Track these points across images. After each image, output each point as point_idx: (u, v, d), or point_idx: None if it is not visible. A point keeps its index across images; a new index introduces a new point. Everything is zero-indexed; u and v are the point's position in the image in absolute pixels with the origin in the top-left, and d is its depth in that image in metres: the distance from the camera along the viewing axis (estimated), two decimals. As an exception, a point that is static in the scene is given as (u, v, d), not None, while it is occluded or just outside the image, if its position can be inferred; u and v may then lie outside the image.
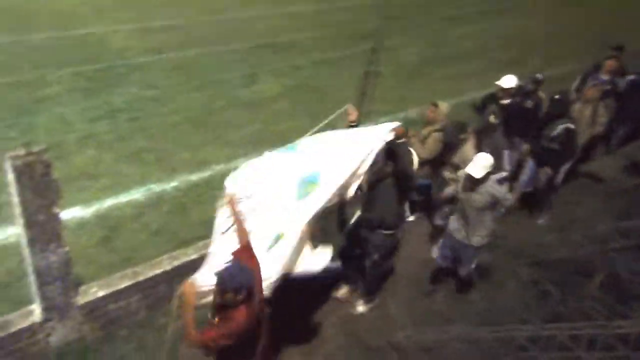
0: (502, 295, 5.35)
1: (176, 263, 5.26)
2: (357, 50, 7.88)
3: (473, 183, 5.00)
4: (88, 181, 6.53)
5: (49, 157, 3.98)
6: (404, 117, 9.10)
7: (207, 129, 7.80)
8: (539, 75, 7.38)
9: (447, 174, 6.17)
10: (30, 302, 4.67)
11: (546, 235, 6.48)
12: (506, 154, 6.42)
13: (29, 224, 4.07)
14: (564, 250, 5.91)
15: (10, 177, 3.89)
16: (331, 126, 5.14)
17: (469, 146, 6.05)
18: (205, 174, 6.90)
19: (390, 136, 4.44)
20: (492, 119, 6.33)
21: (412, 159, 4.85)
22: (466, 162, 5.42)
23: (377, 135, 4.42)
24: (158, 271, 5.16)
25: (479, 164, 4.98)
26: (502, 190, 5.12)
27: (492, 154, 5.64)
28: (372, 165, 4.55)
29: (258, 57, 10.91)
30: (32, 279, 4.39)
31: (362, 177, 4.49)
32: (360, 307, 5.51)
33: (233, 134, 7.61)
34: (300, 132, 7.87)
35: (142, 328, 5.16)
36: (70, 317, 4.68)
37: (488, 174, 5.01)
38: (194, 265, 5.23)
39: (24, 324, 4.50)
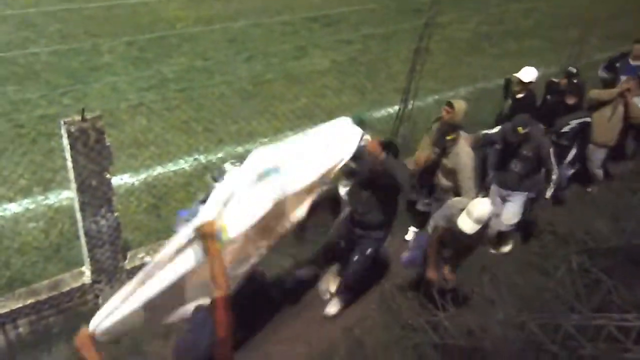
0: (550, 282, 5.21)
1: (221, 233, 5.34)
2: (408, 25, 7.66)
3: (464, 237, 4.57)
4: (138, 149, 6.66)
5: (103, 124, 4.07)
6: (453, 96, 8.88)
7: (255, 101, 7.81)
8: (572, 69, 7.00)
9: (442, 181, 5.70)
10: (80, 264, 4.84)
11: (598, 223, 6.26)
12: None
13: (82, 189, 4.19)
14: (616, 239, 5.70)
15: (65, 142, 3.99)
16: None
17: (462, 148, 5.44)
18: (252, 146, 6.92)
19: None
20: (520, 129, 5.46)
21: (406, 176, 4.55)
22: (460, 166, 5.32)
23: (346, 148, 4.00)
24: (202, 240, 5.24)
25: (475, 216, 4.42)
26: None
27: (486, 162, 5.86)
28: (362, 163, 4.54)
29: (309, 30, 10.80)
30: (83, 241, 4.54)
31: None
32: (332, 309, 5.28)
33: (280, 108, 7.60)
34: (347, 109, 7.89)
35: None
36: (117, 280, 4.82)
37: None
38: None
39: (75, 284, 4.68)
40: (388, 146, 4.58)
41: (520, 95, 6.53)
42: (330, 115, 7.72)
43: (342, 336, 5.12)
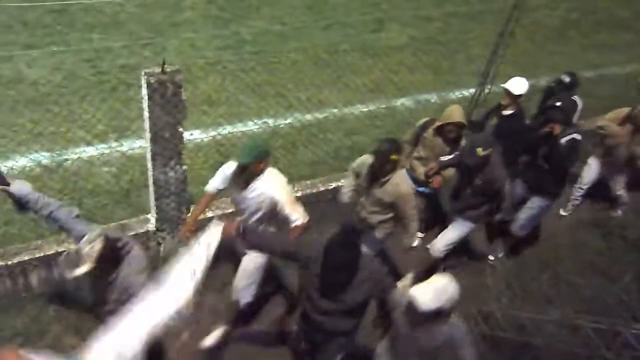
0: (614, 287, 5.00)
1: (281, 197, 5.40)
2: (495, 6, 7.37)
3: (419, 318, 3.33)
4: (210, 107, 6.79)
5: (181, 78, 4.16)
6: (532, 85, 8.52)
7: (328, 70, 7.77)
8: (565, 78, 6.09)
9: (369, 216, 4.80)
10: (147, 211, 5.03)
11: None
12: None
13: (155, 139, 4.32)
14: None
15: (144, 92, 4.11)
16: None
17: (402, 174, 4.61)
18: (320, 115, 6.92)
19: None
20: (479, 151, 4.61)
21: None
22: (401, 198, 4.44)
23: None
24: (262, 201, 5.32)
25: (434, 294, 3.31)
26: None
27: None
28: None
29: (389, 3, 10.58)
30: (151, 190, 4.71)
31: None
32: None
33: (352, 79, 7.52)
34: (421, 87, 7.74)
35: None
36: (179, 231, 4.98)
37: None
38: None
39: (140, 230, 4.89)
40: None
41: (507, 112, 5.53)
42: (402, 92, 7.65)
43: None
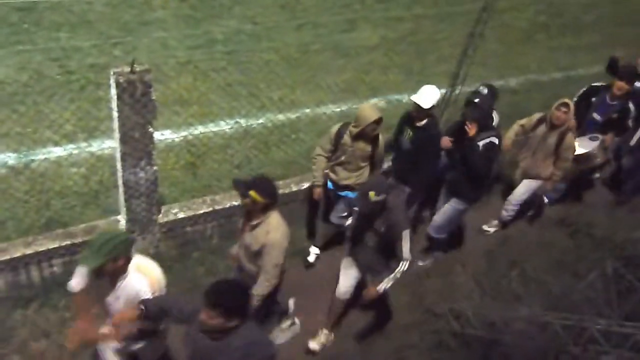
0: (581, 284, 5.12)
1: (254, 198, 5.39)
2: (464, 8, 7.47)
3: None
4: (181, 106, 6.72)
5: (150, 77, 4.11)
6: (502, 85, 8.67)
7: (300, 70, 7.77)
8: (483, 89, 5.58)
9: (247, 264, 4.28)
10: (116, 212, 4.97)
11: (637, 231, 6.09)
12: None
13: (124, 139, 4.27)
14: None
15: (113, 92, 4.06)
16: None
17: (276, 219, 4.00)
18: (293, 115, 6.92)
19: None
20: (372, 195, 4.18)
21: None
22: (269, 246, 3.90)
23: None
24: (235, 203, 5.33)
25: None
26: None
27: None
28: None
29: (361, 3, 10.62)
30: (120, 191, 4.65)
31: None
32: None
33: (325, 79, 7.54)
34: (392, 87, 7.80)
35: (214, 254, 5.38)
36: (150, 232, 4.94)
37: None
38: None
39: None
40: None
41: (421, 124, 5.21)
42: (374, 92, 7.71)
43: (362, 313, 5.15)
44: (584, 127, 6.27)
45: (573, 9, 12.28)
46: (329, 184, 5.33)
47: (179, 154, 6.04)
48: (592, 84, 6.55)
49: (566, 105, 5.60)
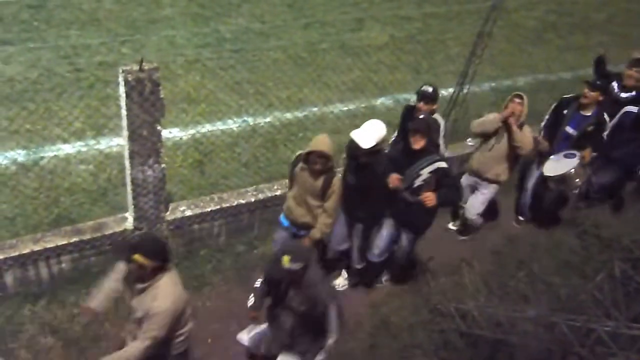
0: (588, 285, 5.08)
1: (260, 196, 5.43)
2: (473, 6, 7.46)
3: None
4: (189, 105, 6.76)
5: (159, 76, 4.13)
6: (509, 85, 8.65)
7: (308, 69, 7.78)
8: (427, 88, 5.20)
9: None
10: (124, 209, 4.99)
11: (646, 233, 6.04)
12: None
13: (133, 137, 4.29)
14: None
15: (122, 90, 4.08)
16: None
17: (167, 283, 3.40)
18: (300, 114, 6.93)
19: None
20: (285, 260, 3.58)
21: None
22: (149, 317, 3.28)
23: None
24: (242, 201, 5.35)
25: None
26: None
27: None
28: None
29: (370, 2, 10.62)
30: (128, 188, 4.67)
31: None
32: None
33: (332, 78, 7.54)
34: (400, 86, 7.79)
35: (221, 252, 5.40)
36: (158, 229, 4.96)
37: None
38: (277, 201, 5.38)
39: (117, 228, 4.84)
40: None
41: (364, 161, 4.56)
42: (381, 91, 7.70)
43: (369, 313, 5.16)
44: (557, 143, 5.82)
45: (583, 8, 12.23)
46: (285, 221, 4.85)
47: (187, 152, 6.06)
48: (563, 96, 6.10)
49: (520, 97, 5.34)
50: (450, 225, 6.40)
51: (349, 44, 8.80)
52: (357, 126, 6.85)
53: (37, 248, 4.53)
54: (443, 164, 4.51)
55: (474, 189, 5.89)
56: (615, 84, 6.25)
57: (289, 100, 7.02)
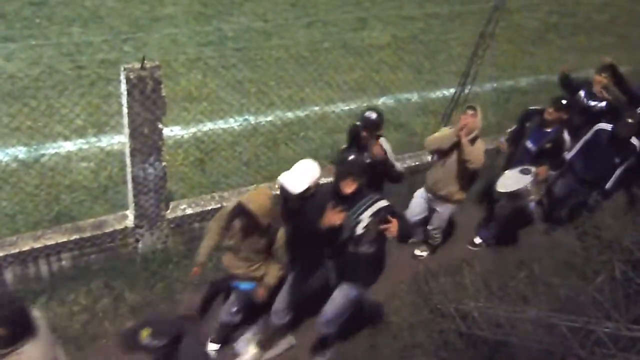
0: (588, 287, 5.09)
1: (262, 195, 5.40)
2: (475, 7, 7.45)
3: None
4: (190, 103, 6.75)
5: (160, 74, 4.13)
6: (511, 86, 8.65)
7: (310, 68, 7.77)
8: (370, 114, 4.70)
9: None
10: (124, 207, 4.99)
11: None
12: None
13: (134, 135, 4.29)
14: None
15: (123, 88, 4.08)
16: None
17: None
18: (302, 113, 6.93)
19: None
20: (144, 335, 2.91)
21: None
22: None
23: None
24: (244, 200, 5.32)
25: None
26: None
27: None
28: None
29: (372, 2, 10.62)
30: (129, 186, 4.67)
31: None
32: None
33: (335, 77, 7.53)
34: (402, 86, 7.78)
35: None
36: (158, 227, 4.96)
37: None
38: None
39: (118, 226, 4.84)
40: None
41: (296, 207, 4.17)
42: (383, 91, 7.69)
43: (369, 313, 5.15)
44: (519, 157, 5.63)
45: (586, 9, 12.21)
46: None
47: (188, 150, 6.06)
48: (529, 107, 5.96)
49: (473, 108, 4.92)
50: (418, 252, 5.84)
51: (351, 44, 8.80)
52: (358, 126, 6.99)
53: (37, 245, 4.53)
54: (384, 203, 3.86)
55: (431, 206, 5.49)
56: (582, 92, 6.09)
57: (291, 100, 7.01)
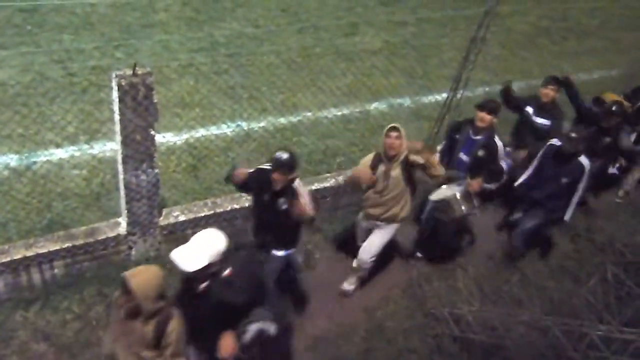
0: (581, 289, 5.11)
1: (255, 201, 5.39)
2: (466, 12, 7.50)
3: None
4: (183, 109, 6.75)
5: (152, 80, 4.12)
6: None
7: (302, 74, 7.79)
8: (280, 155, 4.04)
9: None
10: (117, 214, 4.97)
11: (638, 236, 6.08)
12: None
13: (126, 142, 4.28)
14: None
15: (115, 95, 4.07)
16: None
17: None
18: (294, 118, 6.94)
19: None
20: None
21: None
22: None
23: None
24: (236, 206, 5.33)
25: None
26: None
27: None
28: None
29: (364, 7, 10.67)
30: (122, 193, 4.65)
31: None
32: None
33: (327, 83, 7.55)
34: (394, 91, 7.81)
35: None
36: (151, 235, 4.94)
37: None
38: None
39: (111, 233, 4.82)
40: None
41: (201, 287, 3.42)
42: (375, 96, 7.71)
43: (363, 317, 5.14)
44: (454, 170, 5.38)
45: (577, 13, 12.30)
46: None
47: (181, 157, 6.05)
48: (456, 119, 5.79)
49: (396, 129, 4.57)
50: (345, 286, 5.33)
51: (343, 49, 8.82)
52: (352, 131, 7.01)
53: (29, 254, 4.50)
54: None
55: (369, 231, 5.12)
56: (530, 109, 5.90)
57: (283, 105, 7.02)
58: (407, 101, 7.94)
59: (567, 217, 5.39)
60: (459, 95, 6.59)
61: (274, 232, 4.36)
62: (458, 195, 5.18)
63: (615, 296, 4.60)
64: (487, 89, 8.42)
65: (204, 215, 5.18)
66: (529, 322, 4.58)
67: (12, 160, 5.58)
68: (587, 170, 5.23)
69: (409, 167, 4.66)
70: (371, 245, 5.01)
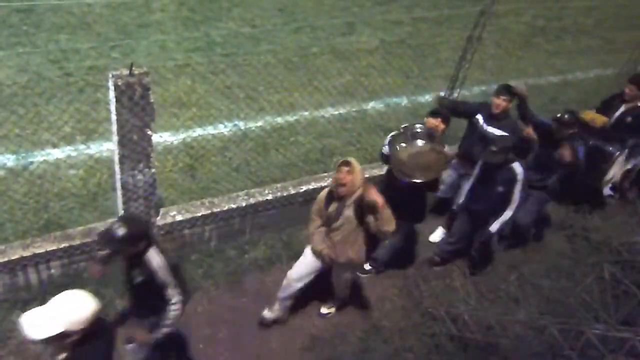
0: (578, 288, 5.13)
1: (252, 200, 5.42)
2: (463, 11, 7.50)
3: None
4: (179, 109, 6.74)
5: (149, 80, 4.12)
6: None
7: (299, 73, 7.79)
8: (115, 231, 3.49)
9: None
10: (114, 214, 4.97)
11: (636, 236, 6.10)
12: None
13: (123, 142, 4.27)
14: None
15: (112, 95, 4.07)
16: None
17: None
18: (291, 118, 6.94)
19: None
20: None
21: None
22: None
23: None
24: (233, 205, 5.33)
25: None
26: None
27: None
28: None
29: (360, 7, 10.67)
30: (119, 193, 4.65)
31: None
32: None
33: (324, 82, 7.55)
34: (391, 90, 7.81)
35: (211, 257, 5.39)
36: (148, 234, 4.92)
37: None
38: (269, 205, 5.38)
39: (108, 234, 4.79)
40: None
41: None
42: (372, 95, 7.72)
43: (360, 316, 5.16)
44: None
45: (572, 12, 12.32)
46: None
47: (178, 157, 6.05)
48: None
49: (347, 164, 4.11)
50: (324, 310, 5.17)
51: (340, 48, 8.83)
52: (348, 130, 7.02)
53: (26, 254, 4.49)
54: None
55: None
56: (480, 117, 5.51)
57: (280, 105, 7.02)
58: (403, 100, 7.95)
59: (493, 228, 5.09)
60: (455, 94, 6.62)
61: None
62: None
63: (612, 295, 4.62)
64: (483, 88, 8.44)
65: (201, 215, 5.18)
66: (526, 321, 4.59)
67: (9, 160, 5.57)
68: (521, 178, 4.92)
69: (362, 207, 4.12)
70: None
